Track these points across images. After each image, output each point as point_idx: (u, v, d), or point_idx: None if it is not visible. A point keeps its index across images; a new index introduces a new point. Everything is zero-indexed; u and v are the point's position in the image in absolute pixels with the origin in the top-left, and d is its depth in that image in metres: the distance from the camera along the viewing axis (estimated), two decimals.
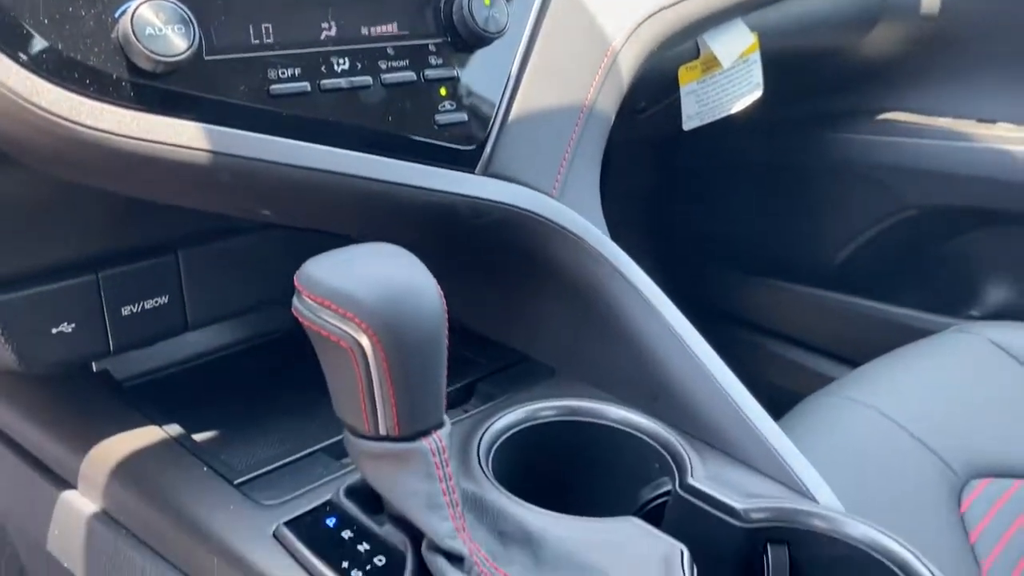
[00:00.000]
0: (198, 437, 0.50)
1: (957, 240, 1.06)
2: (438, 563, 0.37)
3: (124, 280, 0.53)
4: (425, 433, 0.39)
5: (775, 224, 1.16)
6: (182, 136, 0.41)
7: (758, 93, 0.88)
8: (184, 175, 0.42)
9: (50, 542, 0.51)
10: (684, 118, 0.84)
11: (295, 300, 0.39)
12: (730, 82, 0.85)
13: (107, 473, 0.47)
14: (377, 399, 0.38)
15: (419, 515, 0.38)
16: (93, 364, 0.55)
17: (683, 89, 0.83)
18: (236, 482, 0.45)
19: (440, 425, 0.40)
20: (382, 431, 0.39)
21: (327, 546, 0.40)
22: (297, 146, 0.44)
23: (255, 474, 0.46)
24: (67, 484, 0.50)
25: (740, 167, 1.16)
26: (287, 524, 0.42)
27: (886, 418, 0.73)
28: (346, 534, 0.41)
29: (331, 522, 0.42)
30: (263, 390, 0.57)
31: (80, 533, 0.48)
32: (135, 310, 0.53)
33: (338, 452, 0.49)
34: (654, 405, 0.52)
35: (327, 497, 0.43)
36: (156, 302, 0.54)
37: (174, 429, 0.49)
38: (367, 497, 0.44)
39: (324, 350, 0.39)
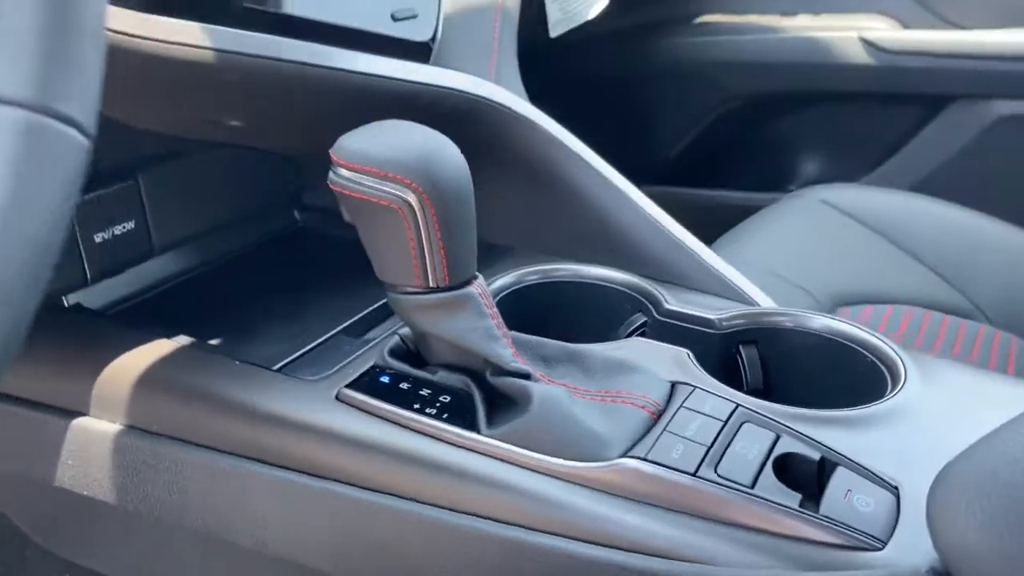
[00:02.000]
0: (212, 342, 0.51)
1: (776, 123, 1.21)
2: (509, 382, 0.42)
3: (93, 207, 0.52)
4: (468, 282, 0.44)
5: (620, 130, 1.25)
6: (189, 36, 0.43)
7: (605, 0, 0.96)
8: (189, 73, 0.44)
9: (61, 478, 0.50)
10: (550, 24, 0.90)
11: (333, 176, 0.42)
12: None
13: (127, 389, 0.47)
14: (427, 253, 0.42)
15: (483, 345, 0.43)
16: (64, 299, 0.54)
17: None
18: (275, 368, 0.47)
19: (476, 276, 0.44)
20: (432, 284, 0.43)
21: (391, 396, 0.44)
22: (285, 42, 0.46)
23: (289, 359, 0.48)
24: (78, 414, 0.49)
25: (592, 79, 1.24)
26: (347, 387, 0.45)
27: (750, 264, 0.83)
28: (403, 386, 0.45)
29: (385, 380, 0.45)
30: (249, 300, 0.58)
31: (103, 451, 0.48)
32: (106, 237, 0.53)
33: (358, 331, 0.52)
34: (614, 259, 0.59)
35: (371, 363, 0.47)
36: (124, 227, 0.54)
37: (184, 339, 0.50)
38: (410, 355, 0.48)
39: (369, 216, 0.42)
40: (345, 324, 0.53)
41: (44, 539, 0.58)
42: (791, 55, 1.14)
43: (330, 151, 0.42)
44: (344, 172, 0.41)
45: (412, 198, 0.41)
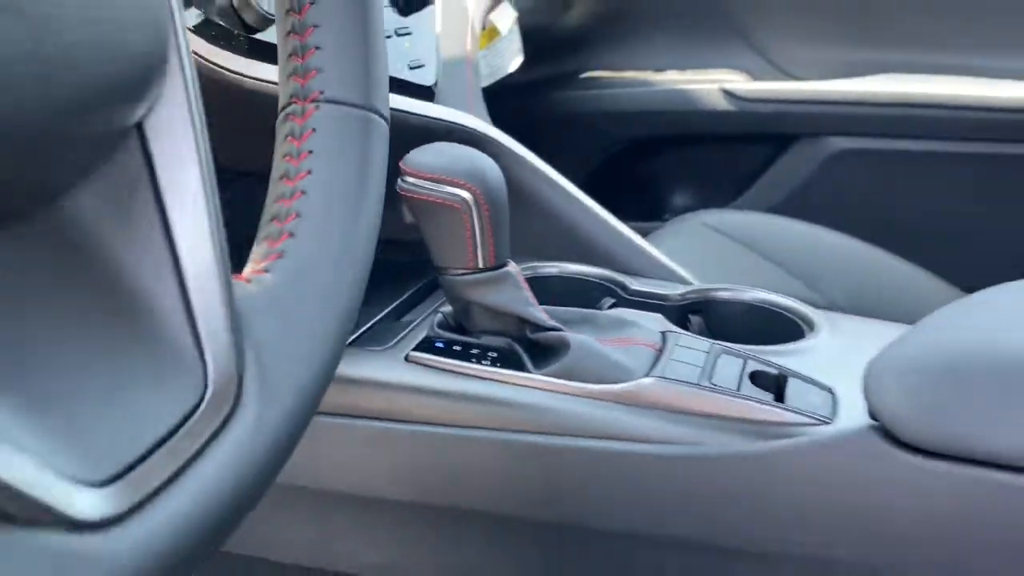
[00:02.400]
0: None
1: (653, 162, 1.41)
2: (547, 336, 0.56)
3: None
4: (505, 263, 0.57)
5: None
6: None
7: (521, 57, 1.12)
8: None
9: None
10: (481, 77, 1.05)
11: (402, 183, 0.54)
12: (506, 48, 1.08)
13: None
14: (478, 241, 0.55)
15: (523, 310, 0.56)
16: None
17: (479, 54, 1.04)
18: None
19: (510, 260, 0.57)
20: (482, 265, 0.56)
21: (451, 355, 0.56)
22: None
23: (352, 339, 0.59)
24: None
25: (510, 123, 1.39)
26: (413, 351, 0.57)
27: None
28: (456, 348, 0.57)
29: (440, 345, 0.57)
30: None
31: None
32: None
33: (397, 315, 0.64)
34: (581, 257, 0.73)
35: (424, 335, 0.59)
36: None
37: None
38: (452, 328, 0.60)
39: (433, 214, 0.54)
40: (385, 312, 0.64)
41: None
42: (664, 104, 1.35)
43: (400, 164, 0.55)
44: (412, 180, 0.54)
45: (469, 197, 0.54)
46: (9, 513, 0.19)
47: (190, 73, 0.26)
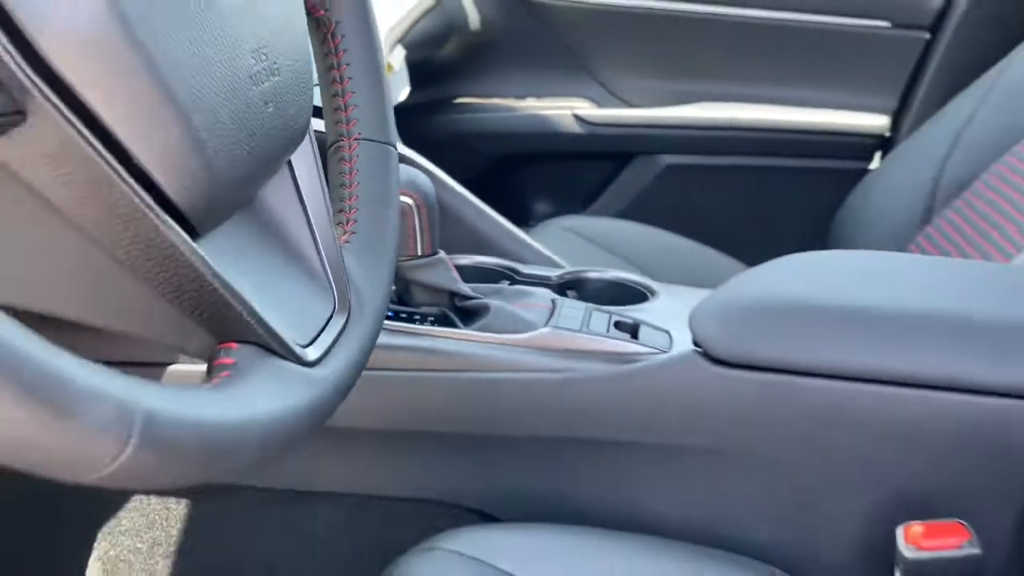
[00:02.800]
0: None
1: (517, 175, 1.64)
2: (472, 303, 0.76)
3: None
4: (436, 252, 0.77)
5: None
6: None
7: (408, 88, 1.33)
8: None
9: None
10: None
11: None
12: (398, 81, 1.29)
13: None
14: (419, 236, 0.75)
15: (454, 285, 0.77)
16: None
17: None
18: None
19: (440, 250, 0.78)
20: (420, 252, 0.76)
21: (403, 320, 0.76)
22: None
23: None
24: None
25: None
26: None
27: None
28: (403, 315, 0.77)
29: (390, 314, 0.77)
30: None
31: None
32: None
33: None
34: (481, 251, 0.95)
35: None
36: None
37: None
38: (397, 301, 0.79)
39: None
40: None
41: None
42: (525, 127, 1.59)
43: None
44: None
45: (411, 203, 0.74)
46: (281, 355, 0.39)
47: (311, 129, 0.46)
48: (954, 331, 0.69)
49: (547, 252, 0.98)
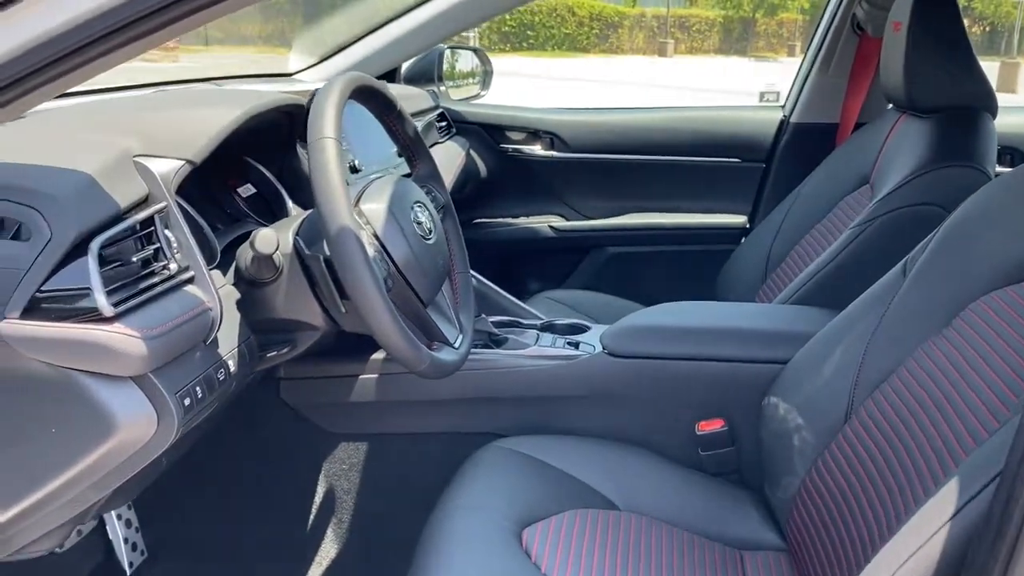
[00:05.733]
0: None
1: (518, 267, 2.52)
2: (497, 338, 1.62)
3: None
4: (480, 315, 1.63)
5: None
6: None
7: None
8: None
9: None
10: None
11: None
12: None
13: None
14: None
15: (490, 329, 1.62)
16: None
17: None
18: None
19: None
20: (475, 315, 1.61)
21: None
22: None
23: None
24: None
25: None
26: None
27: None
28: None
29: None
30: None
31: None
32: None
33: None
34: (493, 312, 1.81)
35: None
36: None
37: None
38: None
39: None
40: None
41: (322, 421, 1.63)
42: (519, 235, 2.47)
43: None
44: None
45: None
46: (448, 344, 1.26)
47: None
48: (735, 335, 1.54)
49: (535, 312, 1.83)
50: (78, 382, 0.93)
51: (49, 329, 0.90)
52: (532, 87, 11.96)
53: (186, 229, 1.05)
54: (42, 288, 0.90)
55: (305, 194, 1.33)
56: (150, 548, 1.67)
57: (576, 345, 1.62)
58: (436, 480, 1.42)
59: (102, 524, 1.61)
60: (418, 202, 1.25)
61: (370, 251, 1.13)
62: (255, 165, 1.42)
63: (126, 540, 1.64)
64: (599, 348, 1.58)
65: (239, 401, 1.50)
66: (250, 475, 1.70)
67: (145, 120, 1.16)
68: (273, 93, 1.40)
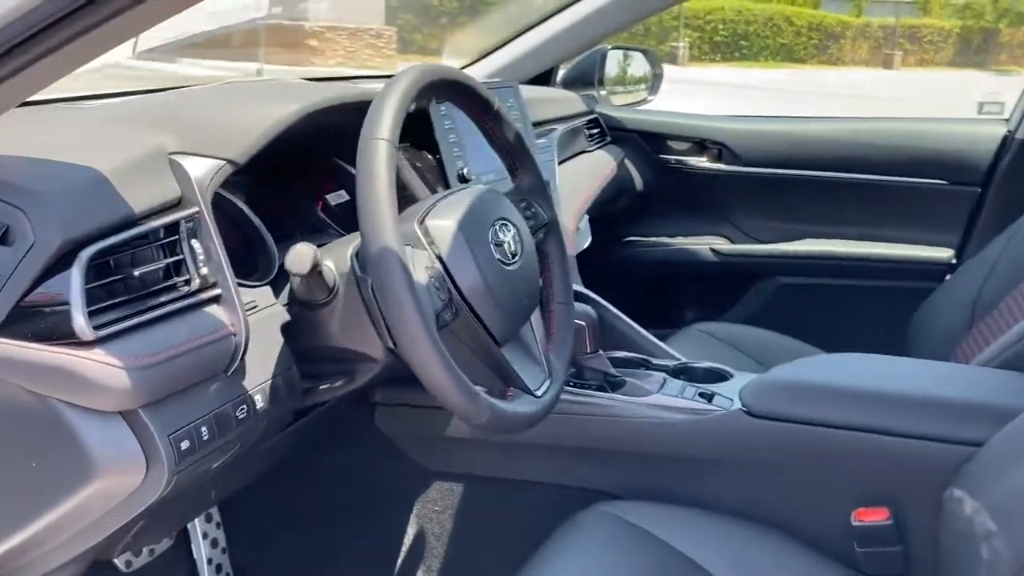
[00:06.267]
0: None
1: (669, 292, 2.25)
2: (615, 379, 1.38)
3: None
4: (599, 352, 1.40)
5: None
6: None
7: (590, 238, 1.98)
8: None
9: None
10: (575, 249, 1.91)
11: None
12: (582, 236, 1.95)
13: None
14: (588, 342, 1.38)
15: (607, 368, 1.38)
16: None
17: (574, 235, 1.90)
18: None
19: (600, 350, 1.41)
20: (590, 351, 1.38)
21: (576, 387, 1.39)
22: None
23: None
24: None
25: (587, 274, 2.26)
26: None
27: None
28: (580, 383, 1.40)
29: (571, 382, 1.40)
30: None
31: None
32: None
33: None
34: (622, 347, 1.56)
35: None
36: None
37: None
38: (575, 375, 1.42)
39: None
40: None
41: (418, 456, 1.46)
42: (675, 257, 2.20)
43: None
44: None
45: (584, 325, 1.38)
46: (526, 391, 1.04)
47: None
48: (916, 403, 1.21)
49: (670, 351, 1.57)
50: (60, 414, 0.80)
51: (23, 350, 0.77)
52: (733, 97, 11.45)
53: (216, 240, 0.90)
54: (24, 300, 0.77)
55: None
56: (236, 570, 1.57)
57: (709, 397, 1.35)
58: (532, 537, 1.23)
59: (186, 542, 1.52)
60: (502, 219, 1.05)
61: (423, 275, 0.93)
62: (347, 168, 1.26)
63: (210, 560, 1.54)
64: (736, 404, 1.31)
65: (332, 424, 1.36)
66: (340, 505, 1.56)
67: (187, 115, 1.03)
68: (346, 87, 1.24)
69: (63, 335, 0.77)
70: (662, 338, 1.90)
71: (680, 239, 2.22)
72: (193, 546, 1.52)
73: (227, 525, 1.56)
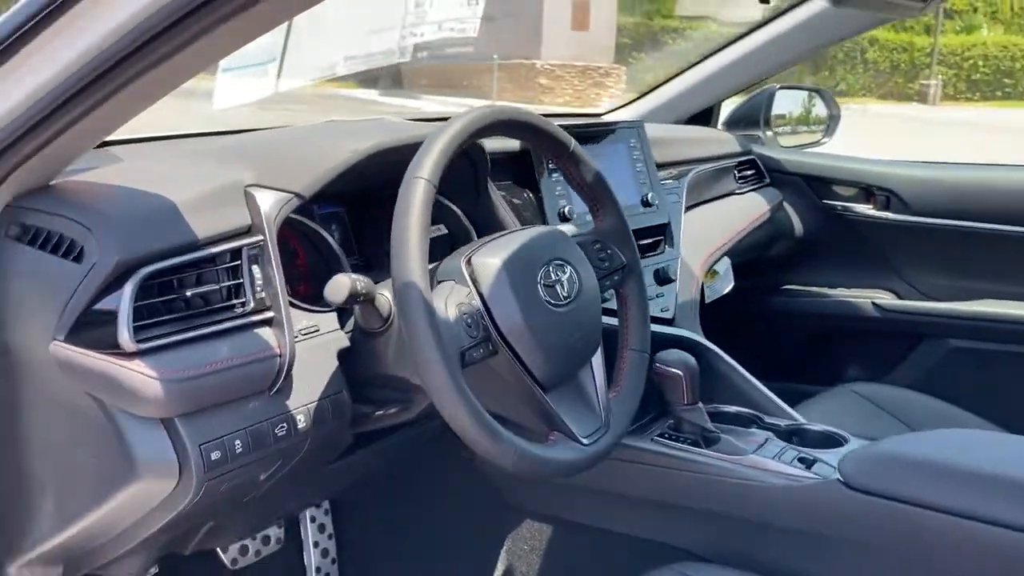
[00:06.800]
0: None
1: (820, 346, 2.09)
2: (711, 434, 1.31)
3: None
4: (697, 403, 1.33)
5: None
6: None
7: (732, 283, 1.89)
8: None
9: None
10: (703, 299, 1.84)
11: (655, 368, 1.33)
12: (722, 280, 1.87)
13: None
14: (684, 392, 1.32)
15: (703, 423, 1.32)
16: None
17: (705, 284, 1.83)
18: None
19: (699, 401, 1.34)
20: (686, 403, 1.32)
21: (670, 439, 1.33)
22: None
23: None
24: None
25: (725, 322, 2.17)
26: (656, 435, 1.35)
27: None
28: (674, 436, 1.34)
29: (668, 434, 1.35)
30: None
31: None
32: None
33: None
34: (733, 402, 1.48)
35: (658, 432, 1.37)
36: None
37: None
38: (673, 427, 1.36)
39: (664, 380, 1.33)
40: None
41: (510, 494, 1.46)
42: (832, 310, 2.05)
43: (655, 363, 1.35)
44: (659, 367, 1.33)
45: (680, 374, 1.32)
46: (573, 438, 1.01)
47: None
48: None
49: (788, 410, 1.46)
50: (113, 416, 0.89)
51: (82, 356, 0.87)
52: (982, 141, 10.47)
53: (277, 267, 0.96)
54: (87, 311, 0.87)
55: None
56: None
57: (810, 463, 1.25)
58: None
59: (295, 547, 1.61)
60: (558, 260, 1.03)
61: (453, 312, 0.94)
62: (445, 203, 1.30)
63: (319, 569, 1.63)
64: (835, 474, 1.20)
65: (437, 450, 1.39)
66: (439, 531, 1.60)
67: (269, 151, 1.11)
68: (431, 126, 1.28)
69: (112, 345, 0.86)
70: (810, 395, 1.77)
71: (841, 291, 2.07)
72: (304, 553, 1.61)
73: (338, 537, 1.64)
